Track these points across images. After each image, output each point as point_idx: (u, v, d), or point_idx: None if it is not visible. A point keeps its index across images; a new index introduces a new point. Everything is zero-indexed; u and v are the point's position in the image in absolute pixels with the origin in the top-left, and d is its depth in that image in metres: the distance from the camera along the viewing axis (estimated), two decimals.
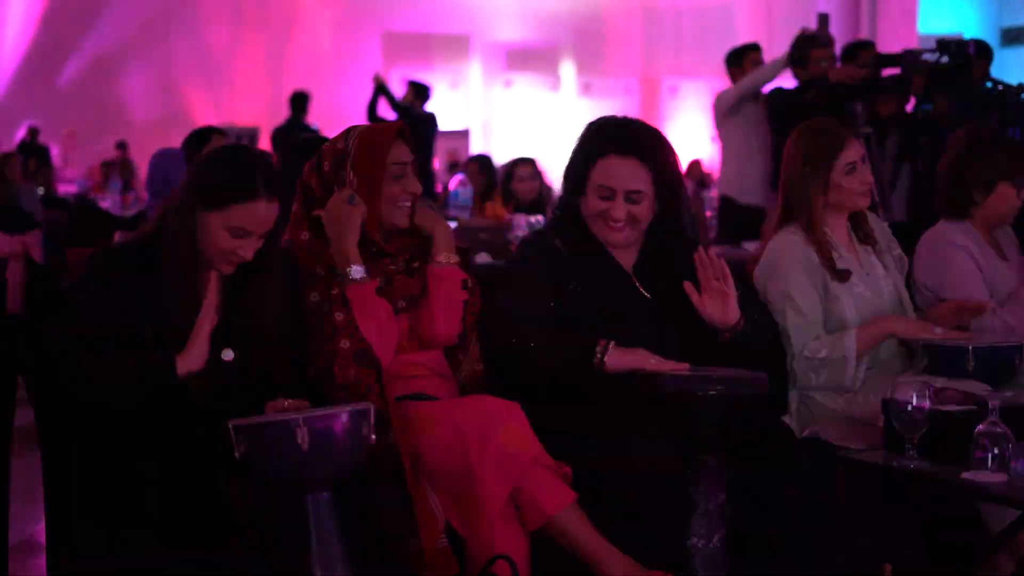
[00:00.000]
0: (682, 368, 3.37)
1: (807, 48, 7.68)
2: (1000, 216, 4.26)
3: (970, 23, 18.16)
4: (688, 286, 3.49)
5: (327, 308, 3.32)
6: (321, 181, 3.46)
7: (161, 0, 17.72)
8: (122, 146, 15.94)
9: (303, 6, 18.52)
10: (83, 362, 2.94)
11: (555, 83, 19.76)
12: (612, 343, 3.40)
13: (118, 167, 14.68)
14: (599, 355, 3.39)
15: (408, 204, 3.48)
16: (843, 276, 3.91)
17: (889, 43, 12.91)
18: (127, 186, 13.64)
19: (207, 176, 3.03)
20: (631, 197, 3.55)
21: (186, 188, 3.05)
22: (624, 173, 3.54)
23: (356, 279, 3.34)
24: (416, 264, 3.50)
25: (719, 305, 3.50)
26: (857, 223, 4.08)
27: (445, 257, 3.49)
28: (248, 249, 3.03)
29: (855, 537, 3.49)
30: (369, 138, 3.46)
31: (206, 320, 2.96)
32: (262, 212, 3.02)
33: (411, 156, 3.49)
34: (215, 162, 3.06)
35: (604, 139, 3.60)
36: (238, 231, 3.01)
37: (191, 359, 2.95)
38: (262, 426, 2.89)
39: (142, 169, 11.34)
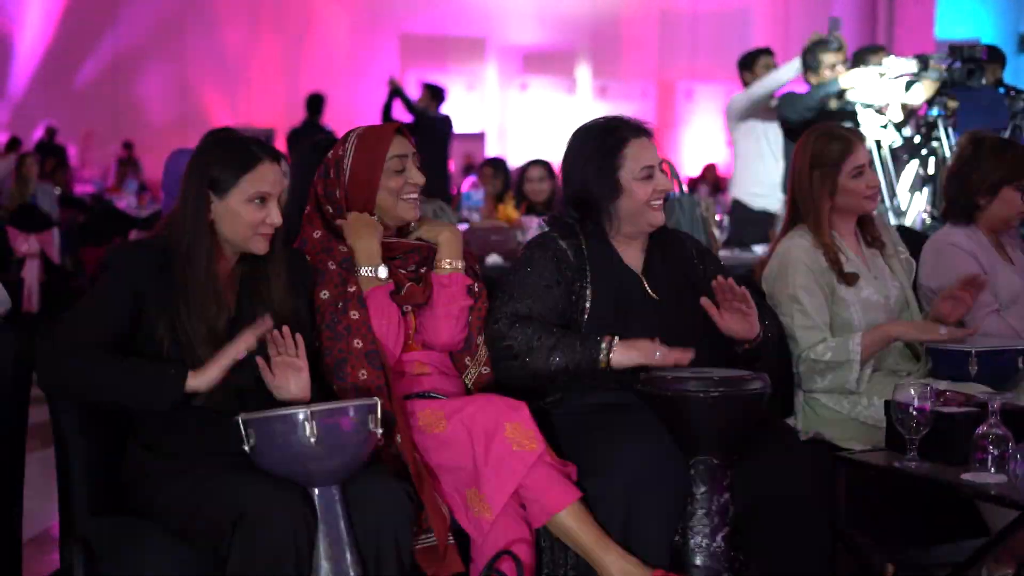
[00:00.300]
0: (687, 357, 3.36)
1: (818, 52, 7.68)
2: (1004, 220, 4.26)
3: (987, 29, 18.12)
4: (705, 302, 3.48)
5: (341, 305, 3.34)
6: (330, 187, 3.51)
7: (178, 1, 17.78)
8: (128, 146, 16.02)
9: (320, 7, 18.56)
10: (94, 359, 2.98)
11: (571, 86, 19.76)
12: (616, 339, 3.41)
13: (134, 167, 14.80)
14: (604, 352, 3.40)
15: (414, 196, 3.52)
16: (850, 279, 3.93)
17: (906, 49, 12.90)
18: (142, 186, 13.71)
19: (210, 167, 3.11)
20: (662, 168, 3.63)
21: (193, 185, 3.11)
22: (649, 148, 3.61)
23: (382, 278, 3.39)
24: (424, 270, 3.53)
25: (740, 321, 3.51)
26: (865, 226, 4.10)
27: (449, 263, 3.52)
28: (274, 214, 3.13)
29: (858, 537, 3.50)
30: (367, 136, 3.52)
31: (233, 349, 3.01)
32: (270, 172, 3.14)
33: (411, 149, 3.53)
34: (210, 152, 3.15)
35: (615, 131, 3.61)
36: (256, 197, 3.11)
37: (203, 379, 2.99)
38: (271, 419, 2.92)
39: (154, 169, 11.36)
